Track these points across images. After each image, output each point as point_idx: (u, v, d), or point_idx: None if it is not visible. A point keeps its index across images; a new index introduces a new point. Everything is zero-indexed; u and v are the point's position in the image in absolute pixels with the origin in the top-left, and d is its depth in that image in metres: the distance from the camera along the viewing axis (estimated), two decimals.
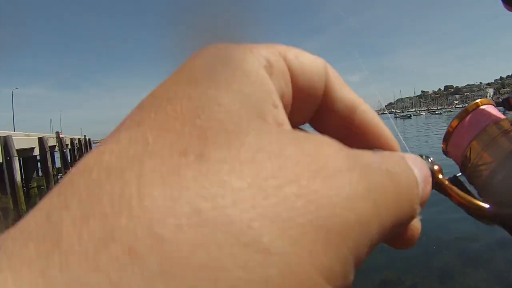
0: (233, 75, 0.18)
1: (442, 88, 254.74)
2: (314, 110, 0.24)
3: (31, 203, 16.23)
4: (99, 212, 0.13)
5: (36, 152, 19.59)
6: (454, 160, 0.47)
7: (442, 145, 0.49)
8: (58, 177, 23.96)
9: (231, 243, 0.14)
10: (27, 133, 20.60)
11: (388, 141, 0.26)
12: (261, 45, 0.21)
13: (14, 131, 22.52)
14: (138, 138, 0.16)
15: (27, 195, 17.13)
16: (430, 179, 0.22)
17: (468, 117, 0.45)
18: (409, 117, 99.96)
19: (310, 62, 0.22)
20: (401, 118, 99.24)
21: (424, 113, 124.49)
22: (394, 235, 0.20)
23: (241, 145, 0.16)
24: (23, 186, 14.75)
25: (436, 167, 0.26)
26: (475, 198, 0.28)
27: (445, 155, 0.49)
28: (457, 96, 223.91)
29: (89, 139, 44.80)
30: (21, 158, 17.19)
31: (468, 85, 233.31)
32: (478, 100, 0.48)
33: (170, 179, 0.14)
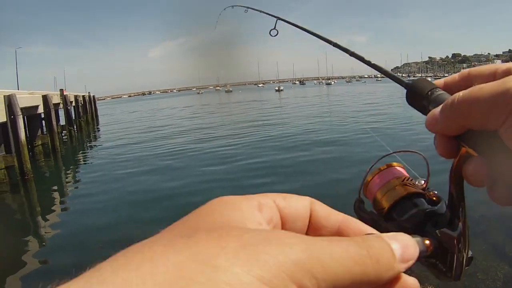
0: (232, 213, 0.30)
1: (450, 56, 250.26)
2: (306, 226, 0.35)
3: (36, 161, 16.23)
4: None
5: (41, 110, 19.38)
6: (369, 199, 0.64)
7: (362, 191, 0.64)
8: (63, 134, 23.91)
9: None
10: (31, 91, 20.30)
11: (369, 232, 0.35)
12: (258, 195, 0.33)
13: (18, 89, 22.16)
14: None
15: (32, 153, 17.11)
16: (412, 246, 0.31)
17: (380, 173, 0.62)
18: None
19: (295, 199, 0.35)
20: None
21: (430, 80, 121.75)
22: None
23: None
24: (27, 145, 14.65)
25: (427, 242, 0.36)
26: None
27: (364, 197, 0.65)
28: (465, 65, 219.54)
29: (93, 96, 44.25)
30: (25, 117, 16.99)
31: (476, 54, 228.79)
32: (392, 163, 0.64)
33: None
